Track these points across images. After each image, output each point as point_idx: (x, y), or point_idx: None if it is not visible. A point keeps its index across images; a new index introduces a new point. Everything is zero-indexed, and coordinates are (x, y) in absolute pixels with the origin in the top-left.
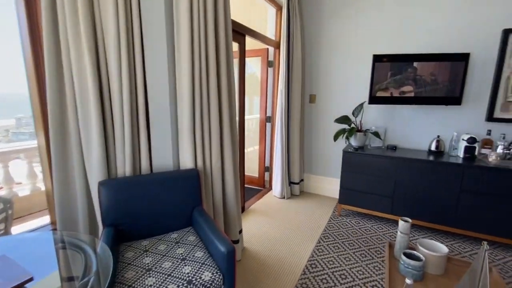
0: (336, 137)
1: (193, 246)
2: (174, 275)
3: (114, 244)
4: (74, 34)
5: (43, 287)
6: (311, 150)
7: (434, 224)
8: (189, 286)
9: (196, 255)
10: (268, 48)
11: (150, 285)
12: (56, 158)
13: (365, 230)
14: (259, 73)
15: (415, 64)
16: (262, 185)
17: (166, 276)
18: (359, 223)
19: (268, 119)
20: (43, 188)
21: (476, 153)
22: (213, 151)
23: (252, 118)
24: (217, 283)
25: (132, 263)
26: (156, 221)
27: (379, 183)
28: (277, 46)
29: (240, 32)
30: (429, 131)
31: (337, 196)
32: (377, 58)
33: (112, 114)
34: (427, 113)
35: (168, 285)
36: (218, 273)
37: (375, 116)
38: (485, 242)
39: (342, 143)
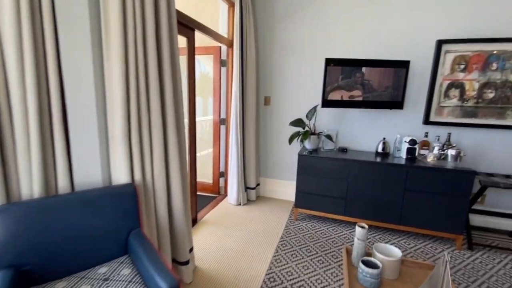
0: (291, 140)
1: (127, 283)
2: None
3: None
4: None
5: None
6: (266, 153)
7: (384, 223)
8: None
9: None
10: (220, 46)
11: None
12: None
13: (321, 234)
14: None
15: (363, 69)
16: (217, 192)
17: None
18: (315, 226)
19: (222, 121)
20: None
21: (416, 154)
22: (155, 159)
23: (207, 120)
24: None
25: None
26: (78, 254)
27: (334, 185)
28: (230, 44)
29: (188, 26)
30: (376, 133)
31: (293, 199)
32: (329, 62)
33: (11, 117)
34: (374, 116)
35: None
36: None
37: (327, 119)
38: (446, 253)
39: (297, 146)
